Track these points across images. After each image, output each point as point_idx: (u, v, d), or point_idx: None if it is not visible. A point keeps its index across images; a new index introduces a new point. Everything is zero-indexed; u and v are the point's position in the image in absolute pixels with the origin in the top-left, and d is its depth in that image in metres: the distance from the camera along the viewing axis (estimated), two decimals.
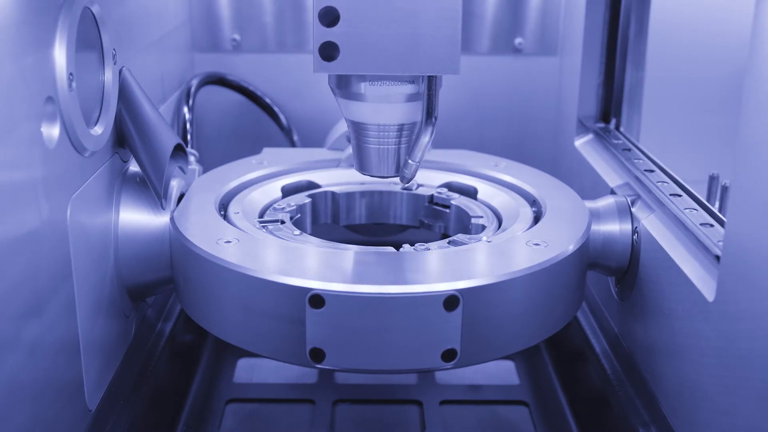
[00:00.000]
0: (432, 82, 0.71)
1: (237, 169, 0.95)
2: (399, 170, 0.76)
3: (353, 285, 0.67)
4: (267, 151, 1.01)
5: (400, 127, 0.74)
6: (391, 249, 0.76)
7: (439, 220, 0.92)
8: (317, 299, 0.67)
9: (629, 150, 0.95)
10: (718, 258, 0.67)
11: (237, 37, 1.18)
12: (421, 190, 0.94)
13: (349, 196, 0.94)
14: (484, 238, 0.79)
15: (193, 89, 1.08)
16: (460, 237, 0.80)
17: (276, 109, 1.18)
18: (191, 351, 1.02)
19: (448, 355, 0.69)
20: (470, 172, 0.96)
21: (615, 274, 0.87)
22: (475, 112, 1.22)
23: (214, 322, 0.75)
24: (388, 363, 0.69)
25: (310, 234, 0.89)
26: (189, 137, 1.05)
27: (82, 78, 0.71)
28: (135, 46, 0.89)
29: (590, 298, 0.98)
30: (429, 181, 0.96)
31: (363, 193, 0.94)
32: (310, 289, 0.67)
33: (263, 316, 0.70)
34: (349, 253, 0.74)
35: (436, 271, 0.71)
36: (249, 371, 1.04)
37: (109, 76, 0.77)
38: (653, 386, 0.79)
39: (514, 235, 0.79)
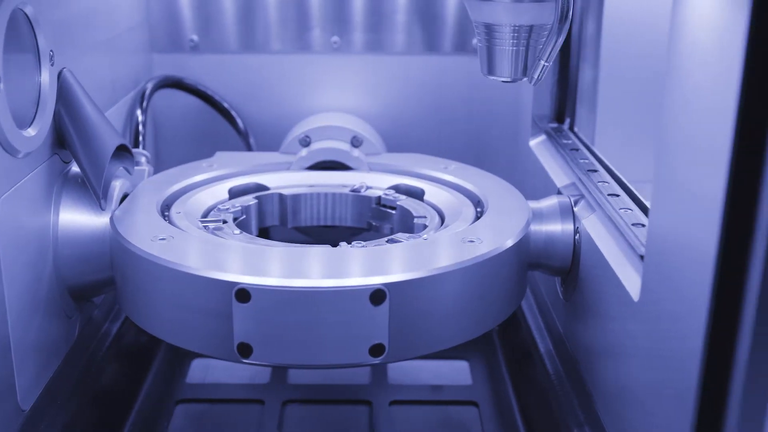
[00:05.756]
0: None
1: (185, 172, 0.95)
2: (527, 72, 0.77)
3: (279, 279, 0.68)
4: (219, 155, 1.02)
5: (530, 29, 0.75)
6: (327, 247, 0.76)
7: (386, 221, 0.92)
8: (243, 293, 0.67)
9: (577, 150, 0.95)
10: (643, 258, 0.67)
11: (195, 37, 1.18)
12: (368, 192, 0.94)
13: (297, 197, 0.94)
14: (424, 236, 0.79)
15: (147, 92, 1.08)
16: (399, 236, 0.80)
17: (233, 113, 1.18)
18: (143, 351, 1.02)
19: (376, 350, 0.70)
20: (419, 175, 0.96)
21: (559, 274, 0.87)
22: (437, 112, 1.22)
23: (147, 319, 0.75)
24: (315, 358, 0.70)
25: (256, 236, 0.89)
26: (141, 139, 1.05)
27: (14, 79, 0.71)
28: (79, 47, 0.89)
29: (540, 298, 0.98)
30: (378, 183, 0.96)
31: (311, 195, 0.94)
32: (236, 284, 0.67)
33: (192, 311, 0.71)
34: (278, 249, 0.74)
35: (363, 266, 0.71)
36: (203, 372, 1.04)
37: (45, 77, 0.77)
38: (591, 387, 0.79)
39: (450, 232, 0.79)
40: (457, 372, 1.05)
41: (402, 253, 0.74)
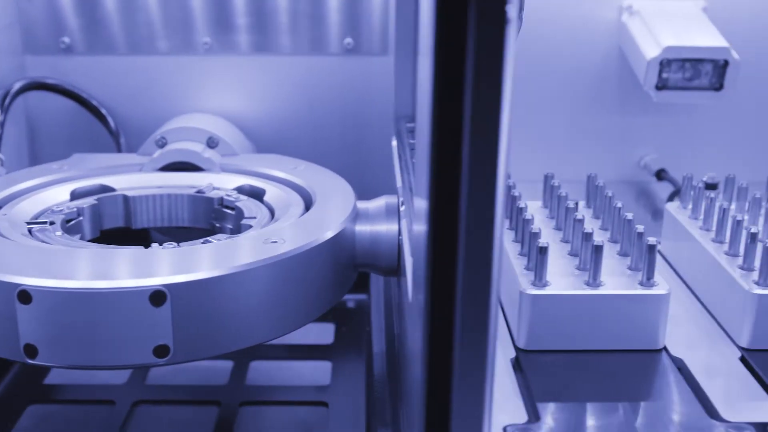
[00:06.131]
0: None
1: (32, 173, 0.95)
2: None
3: (58, 280, 0.68)
4: (75, 156, 1.02)
5: None
6: (140, 249, 0.77)
7: (227, 221, 0.93)
8: (25, 295, 0.68)
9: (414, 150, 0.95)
10: None
11: (66, 39, 1.18)
12: (213, 193, 0.94)
13: (138, 199, 0.94)
14: (247, 234, 0.80)
15: (11, 93, 1.09)
16: (215, 237, 0.80)
17: (104, 111, 1.18)
18: None
19: (161, 351, 0.70)
20: (266, 176, 0.97)
21: (389, 275, 0.87)
22: (315, 113, 1.22)
23: None
24: (99, 359, 0.70)
25: (91, 238, 0.90)
26: None
27: None
28: None
29: (389, 299, 0.98)
30: (225, 184, 0.96)
31: (155, 196, 0.95)
32: (18, 285, 0.68)
33: None
34: (71, 250, 0.75)
35: (148, 267, 0.71)
36: (65, 372, 1.04)
37: None
38: (401, 387, 0.79)
39: (259, 233, 0.80)
40: (318, 372, 1.05)
41: (195, 254, 0.74)
